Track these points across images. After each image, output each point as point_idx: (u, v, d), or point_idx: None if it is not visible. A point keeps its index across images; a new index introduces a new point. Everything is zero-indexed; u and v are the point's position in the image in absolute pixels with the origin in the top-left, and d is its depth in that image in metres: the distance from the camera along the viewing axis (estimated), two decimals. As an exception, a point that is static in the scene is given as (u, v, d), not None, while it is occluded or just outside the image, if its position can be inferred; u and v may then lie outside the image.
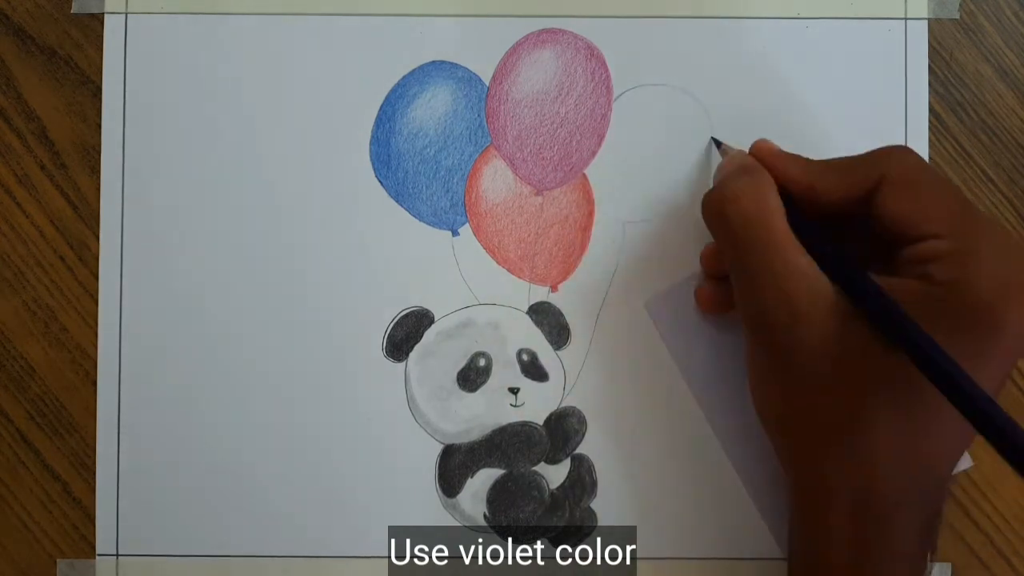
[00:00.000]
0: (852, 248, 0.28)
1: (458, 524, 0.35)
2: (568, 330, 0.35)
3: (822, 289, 0.26)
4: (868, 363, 0.26)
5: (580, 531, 0.34)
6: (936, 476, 0.27)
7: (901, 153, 0.28)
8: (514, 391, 0.35)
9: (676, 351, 0.34)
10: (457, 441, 0.35)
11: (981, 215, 0.27)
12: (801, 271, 0.27)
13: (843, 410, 0.27)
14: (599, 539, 0.34)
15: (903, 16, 0.35)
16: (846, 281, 0.26)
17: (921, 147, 0.35)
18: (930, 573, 0.33)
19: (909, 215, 0.27)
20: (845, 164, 0.28)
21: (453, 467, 0.35)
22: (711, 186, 0.33)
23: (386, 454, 0.35)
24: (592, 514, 0.35)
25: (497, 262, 0.35)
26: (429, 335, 0.35)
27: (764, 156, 0.30)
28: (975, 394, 0.23)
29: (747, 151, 0.31)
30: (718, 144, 0.34)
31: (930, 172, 0.28)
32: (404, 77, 0.35)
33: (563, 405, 0.35)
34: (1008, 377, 0.27)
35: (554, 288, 0.35)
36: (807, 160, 0.30)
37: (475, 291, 0.35)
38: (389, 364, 0.35)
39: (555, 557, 0.34)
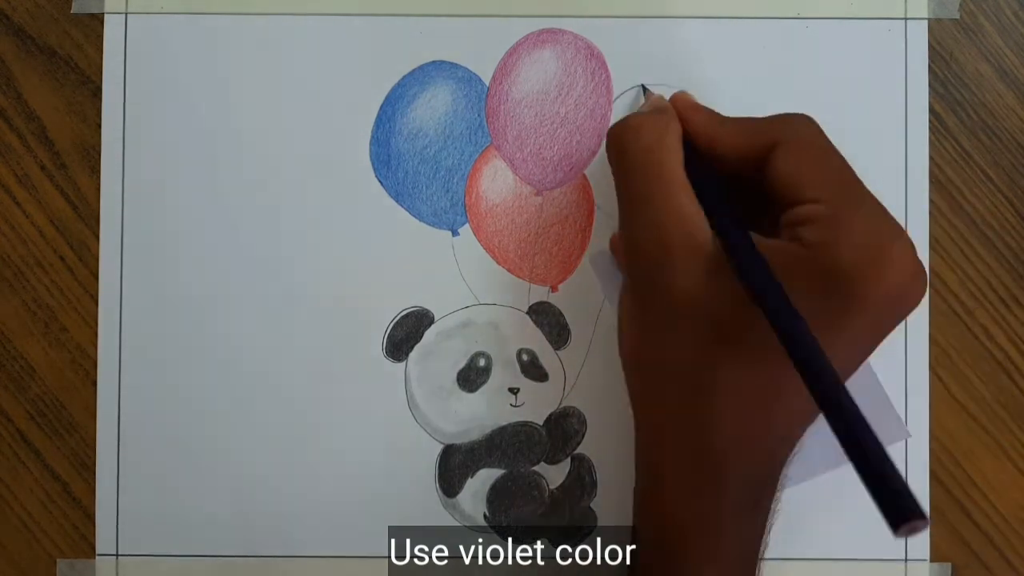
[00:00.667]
0: (741, 207, 0.28)
1: (458, 524, 0.35)
2: (568, 330, 0.35)
3: (699, 234, 0.27)
4: (728, 315, 0.26)
5: (580, 531, 0.34)
6: (780, 437, 0.27)
7: (800, 120, 0.28)
8: (514, 391, 0.35)
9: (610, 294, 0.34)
10: (457, 441, 0.35)
11: (864, 190, 0.27)
12: (683, 212, 0.27)
13: (694, 356, 0.27)
14: (599, 539, 0.34)
15: (903, 16, 0.35)
16: (723, 231, 0.27)
17: (921, 147, 0.35)
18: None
19: (794, 178, 0.27)
20: (747, 124, 0.29)
21: (453, 467, 0.35)
22: None
23: (386, 454, 0.35)
24: (592, 514, 0.35)
25: (497, 262, 0.35)
26: (429, 335, 0.35)
27: (678, 104, 0.30)
28: (820, 363, 0.23)
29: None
30: (645, 90, 0.34)
31: (823, 141, 0.28)
32: (404, 77, 0.35)
33: (563, 405, 0.35)
34: (867, 354, 0.27)
35: (554, 288, 0.35)
36: (716, 115, 0.30)
37: (475, 291, 0.35)
38: (389, 364, 0.35)
39: (555, 557, 0.34)
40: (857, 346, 0.27)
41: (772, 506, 0.28)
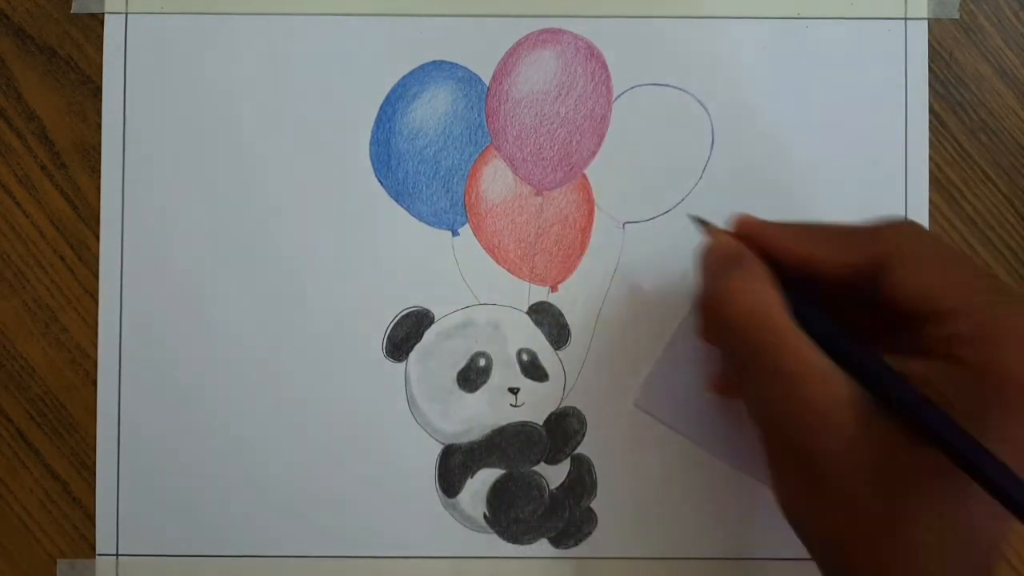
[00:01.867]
0: (859, 329, 0.26)
1: (458, 524, 0.35)
2: (568, 330, 0.35)
3: (841, 388, 0.24)
4: (899, 461, 0.24)
5: (580, 531, 0.34)
6: (984, 546, 0.25)
7: (910, 227, 0.26)
8: (514, 391, 0.35)
9: (690, 429, 0.33)
10: (457, 441, 0.35)
11: (1003, 285, 0.25)
12: (817, 372, 0.25)
13: (878, 511, 0.24)
14: (599, 539, 0.34)
15: (903, 16, 0.35)
16: (863, 373, 0.25)
17: (921, 147, 0.35)
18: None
19: (930, 290, 0.25)
20: (847, 235, 0.27)
21: (453, 467, 0.35)
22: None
23: (386, 454, 0.35)
24: (592, 514, 0.35)
25: (497, 262, 0.35)
26: (429, 335, 0.35)
27: (751, 231, 0.28)
28: (1012, 487, 0.22)
29: (730, 227, 0.29)
30: (702, 223, 0.30)
31: (943, 245, 0.26)
32: (404, 77, 0.35)
33: (563, 405, 0.35)
34: None
35: (554, 288, 0.35)
36: (798, 227, 0.28)
37: (475, 291, 0.35)
38: (389, 364, 0.35)
39: (555, 557, 0.34)
40: None
41: None
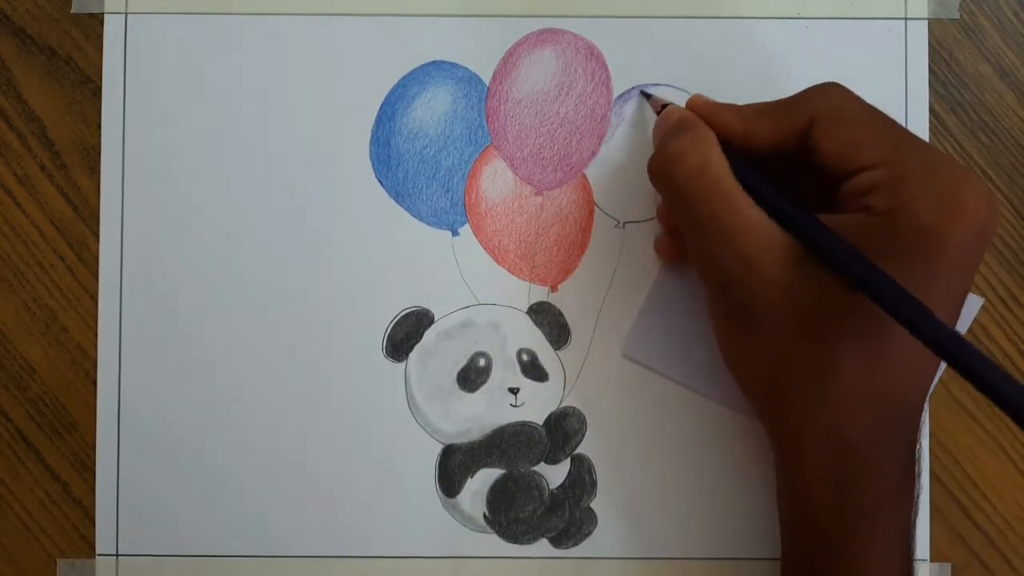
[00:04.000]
0: (796, 191, 0.28)
1: (458, 524, 0.35)
2: (568, 330, 0.35)
3: (773, 238, 0.27)
4: (826, 305, 0.26)
5: (580, 531, 0.34)
6: (908, 407, 0.28)
7: (829, 90, 0.28)
8: (514, 391, 0.35)
9: (676, 370, 0.34)
10: (457, 441, 0.35)
11: (913, 139, 0.27)
12: (751, 223, 0.27)
13: (807, 354, 0.27)
14: (599, 539, 0.34)
15: (903, 16, 0.35)
16: (794, 226, 0.27)
17: (921, 147, 0.35)
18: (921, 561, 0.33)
19: (842, 149, 0.27)
20: (777, 107, 0.29)
21: (453, 467, 0.35)
22: (651, 146, 0.33)
23: (386, 454, 0.35)
24: (592, 514, 0.35)
25: (497, 262, 0.35)
26: (429, 335, 0.35)
27: (699, 109, 0.30)
28: (930, 322, 0.23)
29: (681, 105, 0.32)
30: (648, 97, 0.34)
31: (859, 104, 0.28)
32: (404, 77, 0.35)
33: (563, 405, 0.35)
34: (966, 292, 0.27)
35: (554, 288, 0.35)
36: (741, 107, 0.30)
37: (475, 291, 0.35)
38: (389, 364, 0.35)
39: (555, 557, 0.34)
40: (952, 290, 0.26)
41: (916, 483, 0.28)
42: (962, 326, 0.34)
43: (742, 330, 0.28)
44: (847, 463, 0.27)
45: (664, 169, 0.29)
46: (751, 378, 0.29)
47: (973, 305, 0.34)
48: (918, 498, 0.29)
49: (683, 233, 0.30)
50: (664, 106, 0.32)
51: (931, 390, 0.28)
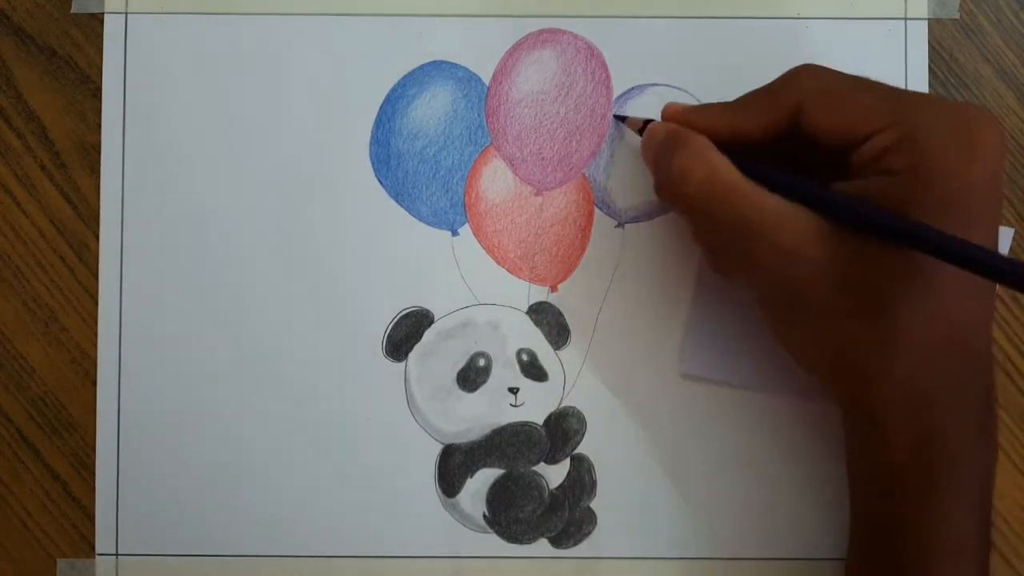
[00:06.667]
0: (798, 167, 0.28)
1: (458, 524, 0.35)
2: (568, 330, 0.35)
3: (803, 221, 0.27)
4: (872, 270, 0.26)
5: (580, 531, 0.34)
6: (976, 348, 0.28)
7: (806, 71, 0.28)
8: (514, 391, 0.35)
9: (737, 376, 0.34)
10: (457, 441, 0.35)
11: (904, 93, 0.27)
12: (777, 212, 0.27)
13: (866, 322, 0.27)
14: (599, 539, 0.34)
15: (903, 16, 0.35)
16: (819, 203, 0.27)
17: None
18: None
19: (841, 123, 0.27)
20: (756, 99, 0.29)
21: (453, 467, 0.35)
22: (642, 163, 0.33)
23: (386, 454, 0.35)
24: (592, 514, 0.35)
25: (497, 262, 0.35)
26: (429, 335, 0.35)
27: (678, 117, 0.30)
28: (983, 254, 0.24)
29: (657, 119, 0.32)
30: (622, 120, 0.34)
31: (838, 76, 0.28)
32: (404, 77, 0.35)
33: (563, 405, 0.35)
34: (997, 222, 0.27)
35: (554, 288, 0.35)
36: (722, 105, 0.30)
37: (475, 291, 0.35)
38: (389, 364, 0.35)
39: (555, 557, 0.34)
40: (988, 222, 0.27)
41: (995, 425, 0.28)
42: None
43: (797, 319, 0.28)
44: (927, 418, 0.27)
45: (673, 190, 0.29)
46: (815, 360, 0.29)
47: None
48: (994, 453, 0.29)
49: (716, 245, 0.29)
50: (644, 123, 0.32)
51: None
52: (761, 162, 0.28)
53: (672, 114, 0.31)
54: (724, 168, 0.28)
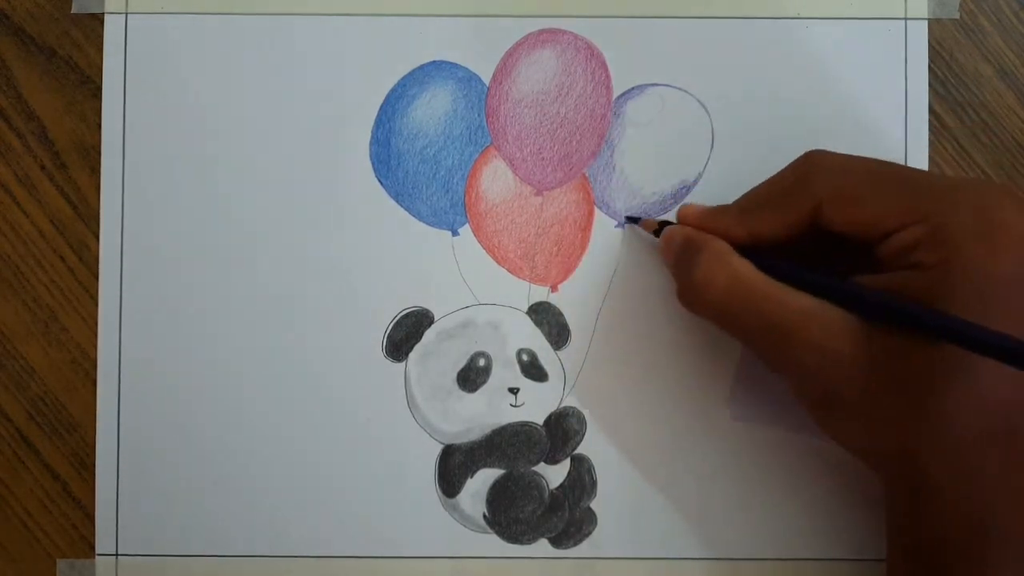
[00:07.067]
0: (817, 259, 0.28)
1: (458, 524, 0.35)
2: (568, 330, 0.35)
3: (833, 318, 0.26)
4: (910, 364, 0.26)
5: (580, 531, 0.34)
6: (1008, 410, 0.26)
7: (820, 169, 0.28)
8: (514, 391, 0.35)
9: (785, 423, 0.34)
10: (457, 441, 0.35)
11: (927, 179, 0.27)
12: (806, 312, 0.26)
13: (909, 411, 0.26)
14: (599, 539, 0.34)
15: (903, 16, 0.35)
16: (849, 302, 0.26)
17: (921, 147, 0.35)
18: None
19: (864, 221, 0.26)
20: (773, 198, 0.28)
21: (453, 467, 0.35)
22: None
23: (386, 454, 0.35)
24: (592, 514, 0.35)
25: (497, 262, 0.35)
26: (429, 335, 0.35)
27: (694, 221, 0.30)
28: (1014, 347, 0.23)
29: (674, 221, 0.31)
30: (635, 221, 0.34)
31: (857, 168, 0.27)
32: (404, 77, 0.35)
33: (563, 405, 0.35)
34: None
35: (554, 288, 0.35)
36: (737, 207, 0.29)
37: (475, 291, 0.35)
38: (389, 364, 0.35)
39: (555, 557, 0.34)
40: (1018, 299, 0.26)
41: None
42: None
43: (836, 414, 0.27)
44: (979, 493, 0.26)
45: (698, 300, 0.28)
46: (859, 447, 0.28)
47: None
48: None
49: (748, 345, 0.29)
50: (660, 225, 0.32)
51: None
52: (783, 260, 0.28)
53: (688, 217, 0.31)
54: (746, 272, 0.27)
